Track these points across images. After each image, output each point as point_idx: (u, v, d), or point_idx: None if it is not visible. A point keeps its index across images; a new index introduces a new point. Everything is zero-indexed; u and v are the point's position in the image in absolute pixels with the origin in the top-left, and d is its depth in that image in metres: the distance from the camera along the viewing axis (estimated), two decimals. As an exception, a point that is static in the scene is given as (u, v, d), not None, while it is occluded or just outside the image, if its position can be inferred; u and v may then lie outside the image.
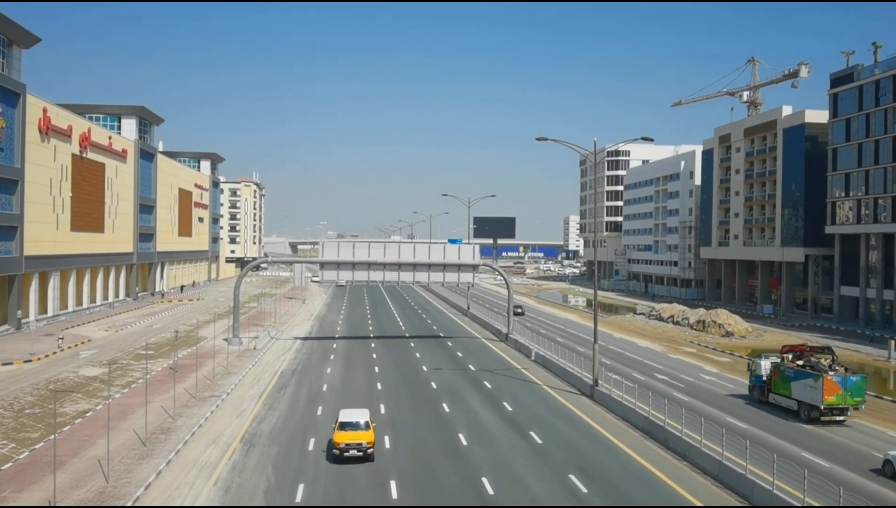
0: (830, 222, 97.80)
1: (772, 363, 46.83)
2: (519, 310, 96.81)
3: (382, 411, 42.31)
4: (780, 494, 26.55)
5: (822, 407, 40.92)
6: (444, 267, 72.49)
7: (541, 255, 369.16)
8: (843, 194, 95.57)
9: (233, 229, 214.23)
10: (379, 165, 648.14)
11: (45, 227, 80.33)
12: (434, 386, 50.17)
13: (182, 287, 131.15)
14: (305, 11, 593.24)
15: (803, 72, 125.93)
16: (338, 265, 71.02)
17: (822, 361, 44.64)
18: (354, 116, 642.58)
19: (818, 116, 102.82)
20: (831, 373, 41.62)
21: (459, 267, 72.72)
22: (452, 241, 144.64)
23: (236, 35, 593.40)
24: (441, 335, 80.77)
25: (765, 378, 46.84)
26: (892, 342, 69.00)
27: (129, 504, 26.56)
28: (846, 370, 43.17)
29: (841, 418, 41.66)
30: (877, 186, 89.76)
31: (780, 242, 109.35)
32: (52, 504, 25.93)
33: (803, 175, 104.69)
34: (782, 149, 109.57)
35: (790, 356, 46.22)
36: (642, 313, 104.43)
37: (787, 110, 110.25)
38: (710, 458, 31.49)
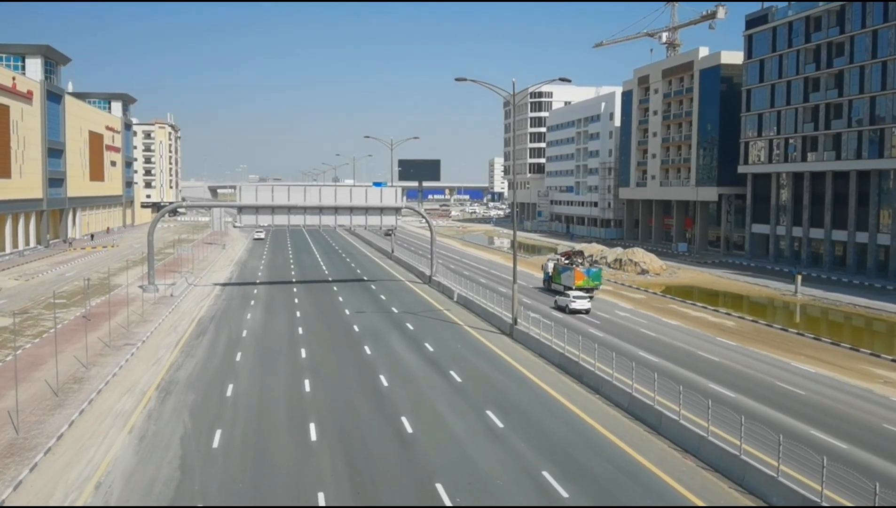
0: (743, 161, 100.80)
1: (553, 263, 70.28)
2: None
3: (303, 355, 42.28)
4: (681, 421, 27.69)
5: (573, 287, 62.52)
6: (367, 210, 72.05)
7: (467, 197, 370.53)
8: (755, 135, 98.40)
9: (148, 172, 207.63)
10: (300, 108, 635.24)
11: (-56, 172, 76.33)
12: (356, 329, 50.27)
13: (92, 235, 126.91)
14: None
15: (720, 13, 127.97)
16: (256, 210, 69.85)
17: (578, 260, 68.85)
18: (273, 57, 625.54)
19: (734, 57, 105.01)
20: (580, 267, 65.48)
21: (382, 210, 72.40)
22: (377, 184, 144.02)
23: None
24: (365, 278, 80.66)
25: (550, 273, 69.87)
26: (798, 278, 72.05)
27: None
28: (591, 265, 69.73)
29: (588, 296, 59.93)
30: (788, 127, 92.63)
31: (695, 182, 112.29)
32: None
33: (718, 116, 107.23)
34: (698, 90, 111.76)
35: (563, 259, 70.11)
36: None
37: (703, 52, 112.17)
38: (621, 390, 32.58)
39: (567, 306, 57.41)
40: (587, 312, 56.86)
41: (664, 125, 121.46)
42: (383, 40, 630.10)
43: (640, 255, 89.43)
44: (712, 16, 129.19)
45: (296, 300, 63.34)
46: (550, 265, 70.22)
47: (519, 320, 48.34)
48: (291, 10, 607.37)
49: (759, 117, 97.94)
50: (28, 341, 45.31)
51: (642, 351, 43.55)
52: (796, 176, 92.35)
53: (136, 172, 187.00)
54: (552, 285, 68.33)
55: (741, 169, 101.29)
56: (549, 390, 35.21)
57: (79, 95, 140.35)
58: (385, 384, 36.09)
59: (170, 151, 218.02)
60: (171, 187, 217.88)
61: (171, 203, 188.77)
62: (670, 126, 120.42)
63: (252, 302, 62.15)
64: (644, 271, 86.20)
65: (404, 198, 78.01)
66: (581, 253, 75.18)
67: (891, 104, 76.99)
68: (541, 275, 74.52)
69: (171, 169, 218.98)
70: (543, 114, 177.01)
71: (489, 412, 31.37)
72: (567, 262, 68.25)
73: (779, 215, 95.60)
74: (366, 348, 44.25)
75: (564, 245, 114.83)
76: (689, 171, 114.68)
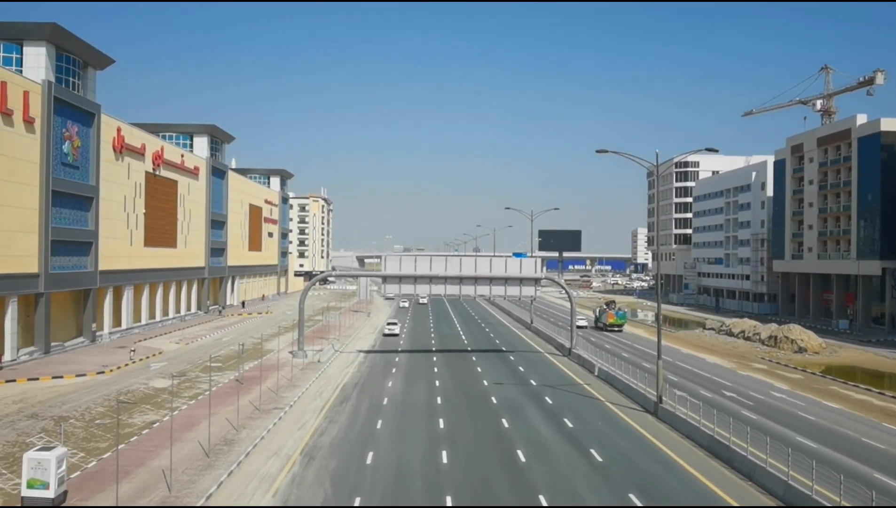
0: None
1: (599, 308, 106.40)
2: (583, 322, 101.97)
3: (441, 425, 42.26)
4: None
5: (607, 323, 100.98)
6: (506, 280, 72.23)
7: (608, 268, 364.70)
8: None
9: (301, 243, 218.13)
10: (445, 179, 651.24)
11: (120, 242, 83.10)
12: (494, 401, 49.90)
13: (244, 303, 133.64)
14: (365, 28, 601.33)
15: (879, 79, 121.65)
16: (400, 279, 71.48)
17: (610, 306, 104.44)
18: (419, 130, 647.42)
19: (895, 124, 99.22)
20: (611, 310, 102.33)
21: (521, 280, 72.35)
22: (517, 254, 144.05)
23: (302, 60, 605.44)
24: (503, 349, 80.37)
25: (597, 315, 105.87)
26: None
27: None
28: (619, 308, 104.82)
29: (618, 328, 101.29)
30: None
31: (855, 254, 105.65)
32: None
33: (879, 185, 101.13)
34: (857, 158, 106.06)
35: (604, 305, 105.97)
36: (712, 328, 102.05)
37: (861, 119, 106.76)
38: (776, 478, 30.45)
39: (601, 326, 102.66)
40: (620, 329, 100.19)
41: (820, 195, 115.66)
42: (525, 112, 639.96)
43: (796, 332, 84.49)
44: (870, 82, 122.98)
45: (435, 370, 63.79)
46: (598, 310, 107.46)
47: (664, 397, 46.49)
48: (432, 93, 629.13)
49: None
50: (184, 402, 47.78)
51: (800, 436, 40.71)
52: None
53: (290, 242, 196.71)
54: (598, 323, 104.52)
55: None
56: (697, 473, 33.39)
57: (241, 171, 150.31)
58: (522, 459, 35.40)
59: (322, 223, 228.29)
60: (322, 257, 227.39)
61: (321, 272, 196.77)
62: (827, 196, 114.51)
63: (393, 370, 63.12)
64: (801, 350, 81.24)
65: (544, 268, 77.97)
66: (613, 302, 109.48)
67: None
68: (687, 349, 71.98)
69: (322, 240, 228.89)
70: (689, 184, 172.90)
71: (631, 496, 30.05)
72: (605, 307, 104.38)
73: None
74: (503, 420, 43.75)
75: (713, 319, 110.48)
76: (848, 243, 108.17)
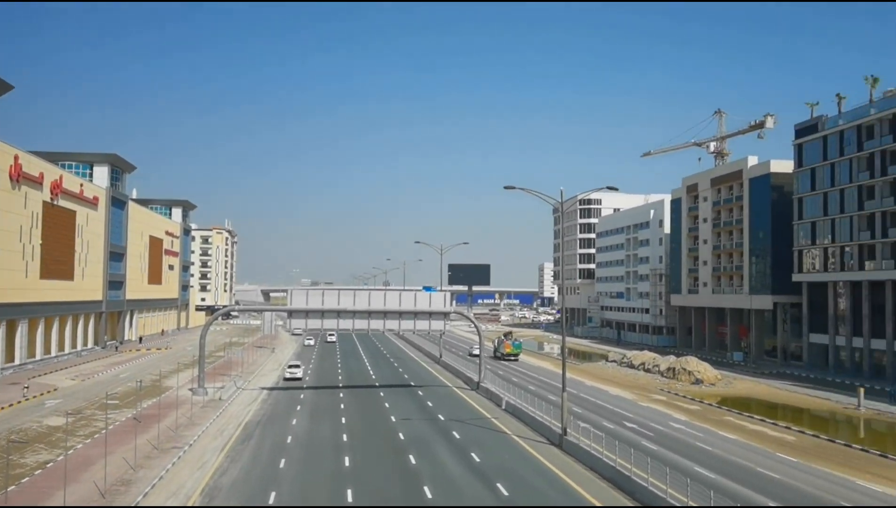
0: (797, 270, 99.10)
1: (498, 339, 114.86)
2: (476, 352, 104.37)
3: (347, 463, 41.62)
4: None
5: (504, 353, 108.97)
6: (416, 315, 72.21)
7: (516, 302, 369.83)
8: (809, 243, 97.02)
9: (204, 276, 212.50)
10: (352, 213, 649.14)
11: (14, 274, 79.24)
12: (402, 437, 49.53)
13: (141, 338, 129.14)
14: (271, 64, 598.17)
15: (769, 123, 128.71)
16: (306, 313, 70.52)
17: (507, 336, 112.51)
18: (327, 164, 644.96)
19: (784, 165, 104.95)
20: (508, 340, 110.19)
21: (431, 314, 72.48)
22: (427, 288, 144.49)
23: (209, 92, 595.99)
24: (412, 384, 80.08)
25: (496, 345, 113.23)
26: (861, 391, 69.41)
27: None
28: (515, 339, 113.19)
29: (514, 358, 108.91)
30: (843, 235, 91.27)
31: (748, 289, 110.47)
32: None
33: (770, 224, 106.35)
34: (749, 198, 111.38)
35: (502, 336, 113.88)
36: (614, 361, 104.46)
37: (752, 160, 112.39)
38: (676, 509, 31.21)
39: (498, 356, 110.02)
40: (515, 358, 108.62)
41: (714, 233, 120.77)
42: (433, 148, 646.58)
43: (693, 364, 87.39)
44: (761, 126, 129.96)
45: (342, 406, 62.94)
46: (496, 341, 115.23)
47: (569, 430, 47.15)
48: (339, 122, 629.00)
49: (812, 225, 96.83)
50: (80, 441, 45.65)
51: (698, 466, 41.91)
52: (854, 285, 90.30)
53: (192, 275, 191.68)
54: (497, 353, 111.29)
55: (795, 277, 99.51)
56: (599, 505, 33.91)
57: (142, 202, 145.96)
58: (429, 495, 35.17)
59: (226, 256, 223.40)
60: (225, 291, 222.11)
61: (224, 306, 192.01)
62: (721, 234, 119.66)
63: (298, 407, 61.93)
64: (698, 381, 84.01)
65: (453, 302, 78.84)
66: (510, 333, 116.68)
67: (949, 212, 75.54)
68: (591, 382, 73.37)
69: (226, 273, 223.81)
70: (593, 220, 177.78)
71: (537, 528, 30.21)
72: (503, 338, 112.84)
73: (837, 324, 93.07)
74: (411, 456, 43.43)
75: (615, 352, 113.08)
76: (741, 278, 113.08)
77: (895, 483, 40.15)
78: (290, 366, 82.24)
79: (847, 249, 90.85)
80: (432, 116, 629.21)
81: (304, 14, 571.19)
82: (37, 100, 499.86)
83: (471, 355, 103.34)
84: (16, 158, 79.27)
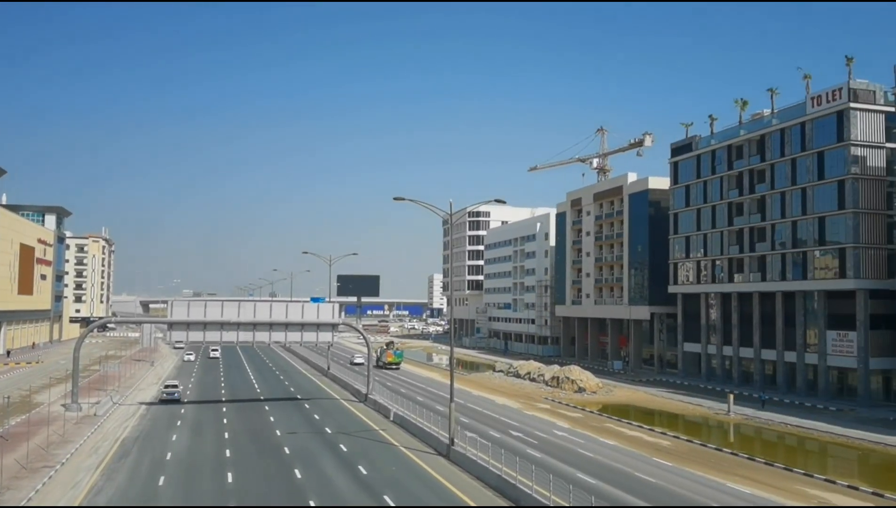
0: (673, 281, 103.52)
1: (380, 348, 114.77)
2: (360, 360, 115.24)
3: (230, 479, 40.52)
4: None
5: (386, 362, 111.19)
6: (303, 326, 71.19)
7: (406, 313, 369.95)
8: (684, 256, 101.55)
9: (79, 286, 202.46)
10: (237, 222, 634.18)
11: None
12: (287, 451, 48.62)
13: (8, 351, 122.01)
14: (150, 67, 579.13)
15: (648, 141, 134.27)
16: (188, 325, 68.37)
17: (389, 346, 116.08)
18: (208, 171, 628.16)
19: (661, 182, 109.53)
20: (389, 349, 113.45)
21: (318, 326, 71.62)
22: (315, 299, 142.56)
23: (85, 93, 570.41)
24: (298, 397, 78.79)
25: (378, 354, 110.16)
26: (731, 397, 72.99)
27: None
28: (396, 348, 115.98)
29: (396, 366, 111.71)
30: (714, 249, 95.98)
31: (627, 300, 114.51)
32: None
33: (648, 238, 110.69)
34: (628, 213, 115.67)
35: (384, 345, 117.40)
36: (501, 371, 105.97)
37: (632, 177, 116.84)
38: (559, 515, 31.90)
39: (381, 365, 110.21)
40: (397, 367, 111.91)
41: (597, 246, 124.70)
42: (321, 158, 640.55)
43: (576, 373, 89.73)
44: (640, 144, 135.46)
45: (225, 421, 61.25)
46: (379, 351, 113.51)
47: (456, 440, 47.48)
48: (231, 125, 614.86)
49: (686, 240, 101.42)
50: (-65, 464, 42.60)
51: (580, 472, 42.99)
52: (724, 296, 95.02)
53: (66, 285, 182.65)
54: (379, 362, 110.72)
55: (671, 289, 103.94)
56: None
57: (12, 208, 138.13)
58: (315, 509, 34.69)
59: (102, 266, 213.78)
60: (101, 302, 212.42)
61: (100, 318, 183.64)
62: (602, 247, 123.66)
63: (178, 422, 59.86)
64: (581, 389, 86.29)
65: (342, 314, 78.26)
66: (392, 343, 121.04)
67: (812, 228, 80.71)
68: (478, 392, 74.21)
69: (102, 283, 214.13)
70: (481, 232, 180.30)
71: (423, 539, 30.24)
72: (385, 347, 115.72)
73: (709, 333, 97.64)
74: (296, 471, 42.68)
75: (502, 362, 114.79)
76: (621, 290, 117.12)
77: (761, 484, 42.40)
78: (167, 385, 75.04)
79: (718, 262, 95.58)
80: (318, 123, 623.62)
81: (179, 12, 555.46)
82: None
83: (352, 363, 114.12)
84: None
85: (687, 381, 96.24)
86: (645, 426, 63.35)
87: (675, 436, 58.99)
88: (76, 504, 35.23)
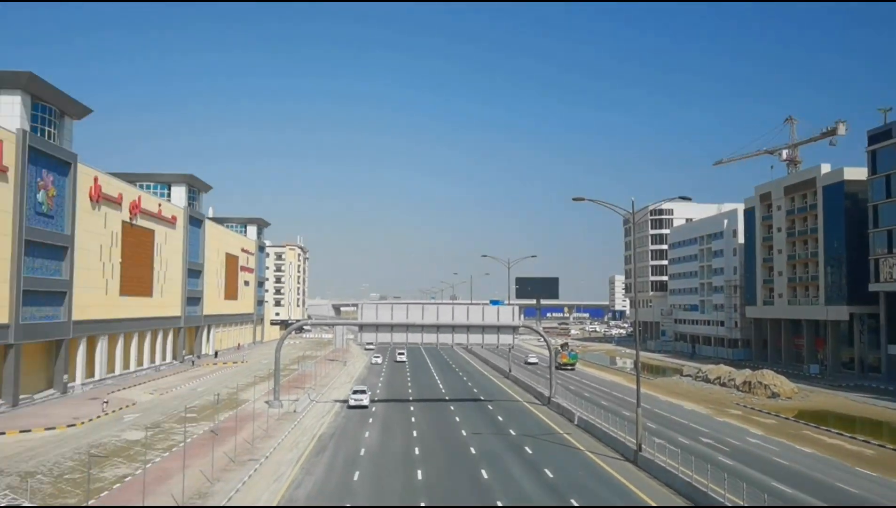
0: (874, 279, 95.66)
1: (554, 349, 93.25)
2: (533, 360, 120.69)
3: (420, 476, 41.91)
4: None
5: (561, 363, 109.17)
6: (484, 328, 72.30)
7: (586, 316, 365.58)
8: (886, 251, 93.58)
9: (277, 291, 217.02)
10: (421, 227, 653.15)
11: (95, 292, 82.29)
12: (473, 451, 49.60)
13: (216, 353, 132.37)
14: (343, 74, 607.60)
15: (841, 129, 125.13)
16: (376, 327, 71.35)
17: (564, 347, 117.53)
18: (398, 177, 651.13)
19: (857, 173, 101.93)
20: (564, 351, 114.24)
21: (499, 328, 72.46)
22: (494, 302, 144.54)
23: (278, 109, 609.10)
24: (482, 398, 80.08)
25: (556, 356, 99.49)
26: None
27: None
28: (571, 349, 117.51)
29: (571, 367, 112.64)
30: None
31: (823, 300, 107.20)
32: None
33: (844, 232, 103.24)
34: (822, 207, 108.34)
35: (559, 346, 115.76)
36: (689, 375, 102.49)
37: (825, 168, 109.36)
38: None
39: (556, 366, 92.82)
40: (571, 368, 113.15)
41: (789, 242, 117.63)
42: (502, 159, 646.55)
43: (769, 377, 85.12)
44: (832, 132, 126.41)
45: (413, 419, 63.38)
46: (554, 352, 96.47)
47: (644, 445, 46.50)
48: (406, 140, 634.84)
49: (888, 233, 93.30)
50: (158, 454, 47.04)
51: (775, 481, 40.83)
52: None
53: (266, 291, 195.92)
54: (557, 363, 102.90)
55: (872, 287, 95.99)
56: (675, 522, 33.36)
57: (218, 220, 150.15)
58: (502, 509, 35.17)
59: (298, 272, 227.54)
60: (298, 306, 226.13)
61: (297, 321, 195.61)
62: (795, 243, 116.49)
63: (370, 420, 62.61)
64: (774, 395, 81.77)
65: (521, 316, 79.17)
66: (566, 344, 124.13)
67: None
68: (665, 397, 72.23)
69: (298, 288, 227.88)
70: (665, 231, 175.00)
71: (611, 544, 29.90)
72: (560, 349, 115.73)
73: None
74: (483, 471, 43.46)
75: (690, 366, 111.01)
76: (816, 289, 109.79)
77: None
78: (355, 391, 71.80)
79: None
80: (498, 128, 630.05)
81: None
82: (114, 122, 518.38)
83: (526, 363, 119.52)
84: (95, 179, 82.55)
85: (892, 386, 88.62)
86: (846, 434, 59.11)
87: (879, 445, 54.65)
88: (277, 500, 37.62)
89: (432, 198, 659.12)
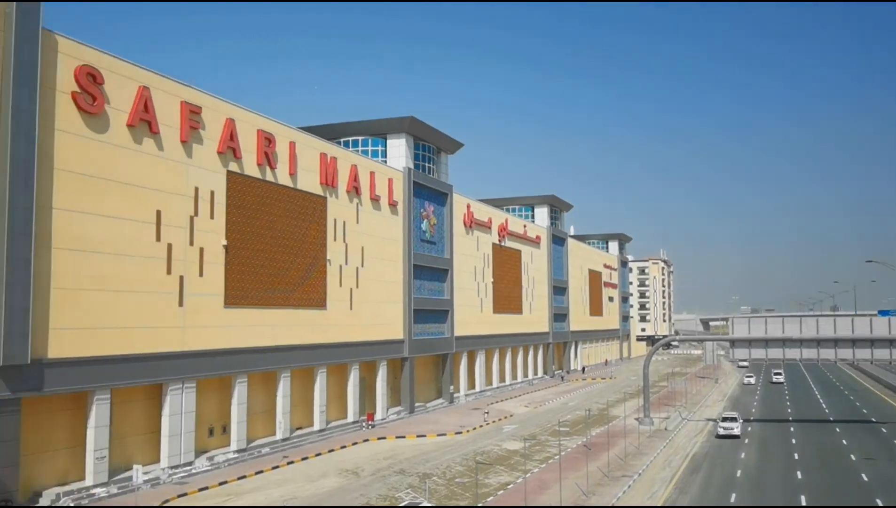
0: None
1: None
2: None
3: (803, 502, 39.00)
4: None
5: None
6: (873, 342, 65.00)
7: None
8: None
9: (642, 307, 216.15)
10: (793, 235, 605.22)
11: (471, 310, 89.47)
12: (865, 478, 44.87)
13: (583, 368, 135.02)
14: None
15: None
16: (749, 342, 67.76)
17: None
18: (771, 186, 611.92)
19: None
20: None
21: (891, 342, 64.64)
22: (884, 313, 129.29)
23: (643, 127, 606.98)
24: (873, 419, 71.98)
25: None
26: None
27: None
28: None
29: None
30: None
31: None
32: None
33: None
34: None
35: None
36: None
37: None
38: None
39: None
40: None
41: None
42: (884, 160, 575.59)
43: None
44: None
45: (792, 441, 59.02)
46: None
47: None
48: (795, 157, 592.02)
49: None
50: (535, 465, 49.50)
51: None
52: None
53: (631, 306, 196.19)
54: None
55: None
56: None
57: (579, 237, 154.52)
58: (904, 546, 31.40)
59: (662, 286, 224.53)
60: (663, 321, 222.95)
61: (664, 336, 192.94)
62: None
63: (746, 440, 59.54)
64: None
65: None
66: None
67: None
68: None
69: (663, 303, 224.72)
70: None
71: None
72: None
73: None
74: (878, 500, 39.14)
75: None
76: None
77: None
78: (725, 419, 63.73)
79: None
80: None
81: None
82: (483, 154, 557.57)
83: None
84: (468, 206, 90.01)
85: None
86: None
87: None
88: (653, 511, 37.45)
89: (805, 205, 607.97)
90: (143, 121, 43.49)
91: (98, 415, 40.38)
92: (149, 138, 44.02)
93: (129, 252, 42.22)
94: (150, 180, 43.86)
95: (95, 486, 39.84)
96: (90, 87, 40.02)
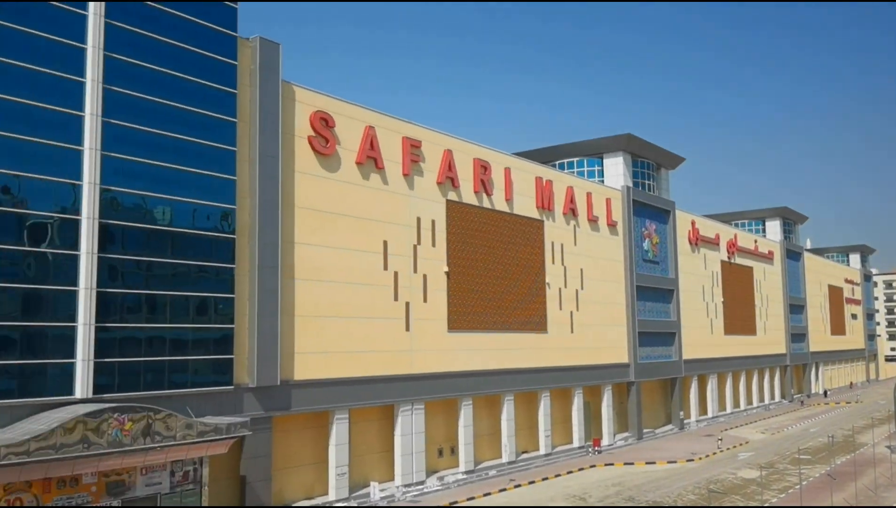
0: None
1: None
2: None
3: None
4: None
5: None
6: None
7: None
8: None
9: (890, 324, 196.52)
10: None
11: (699, 331, 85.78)
12: None
13: (826, 391, 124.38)
14: None
15: None
16: None
17: None
18: None
19: None
20: None
21: None
22: None
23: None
24: None
25: None
26: None
27: None
28: None
29: None
30: None
31: None
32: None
33: None
34: None
35: None
36: None
37: None
38: None
39: None
40: None
41: None
42: None
43: None
44: None
45: None
46: None
47: None
48: None
49: None
50: (773, 495, 46.38)
51: None
52: None
53: (877, 324, 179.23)
54: None
55: None
56: None
57: (816, 251, 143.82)
58: None
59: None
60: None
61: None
62: None
63: None
64: None
65: None
66: None
67: None
68: None
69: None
70: None
71: None
72: None
73: None
74: None
75: None
76: None
77: None
78: None
79: None
80: None
81: None
82: (708, 167, 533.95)
83: None
84: (692, 223, 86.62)
85: None
86: None
87: None
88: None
89: None
90: (370, 158, 46.30)
91: (338, 433, 43.10)
92: (375, 174, 46.79)
93: (361, 281, 44.94)
94: (376, 213, 46.53)
95: (337, 501, 42.45)
96: (323, 130, 43.40)
